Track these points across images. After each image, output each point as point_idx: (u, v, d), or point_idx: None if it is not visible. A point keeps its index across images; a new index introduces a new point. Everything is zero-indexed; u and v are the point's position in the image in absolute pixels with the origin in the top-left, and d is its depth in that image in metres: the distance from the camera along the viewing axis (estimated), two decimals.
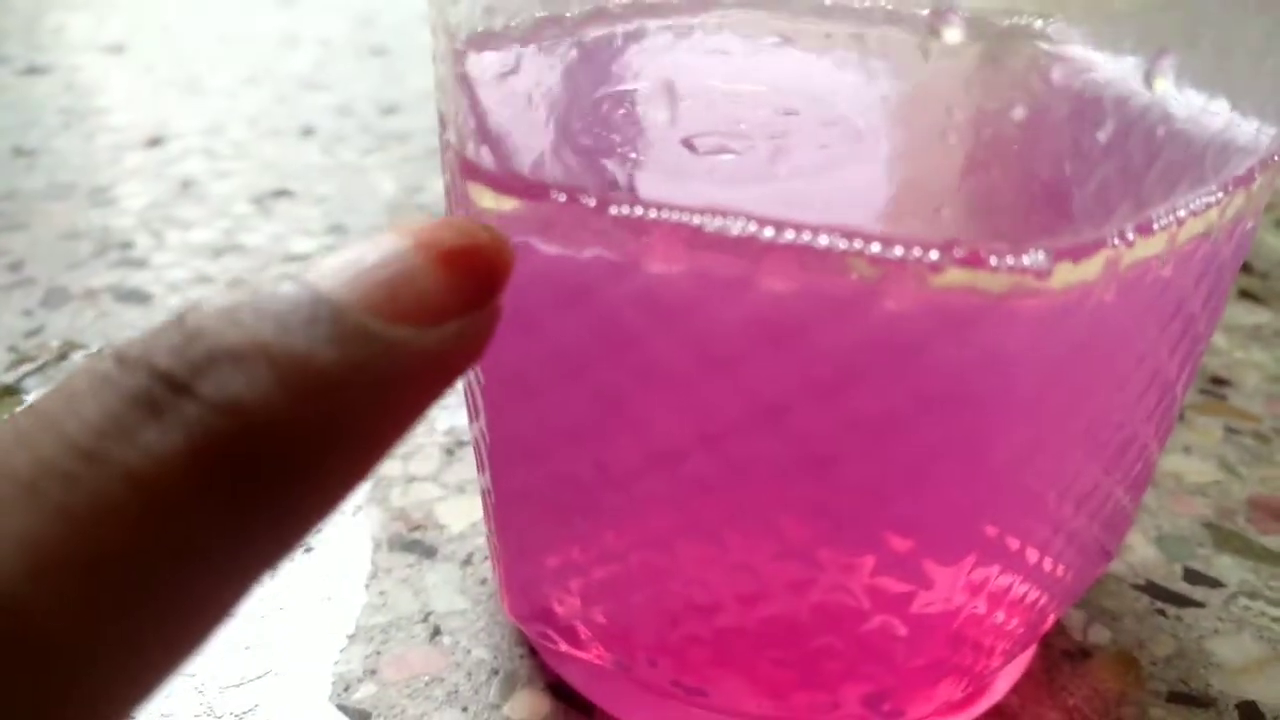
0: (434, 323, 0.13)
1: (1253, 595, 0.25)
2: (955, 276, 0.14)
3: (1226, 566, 0.26)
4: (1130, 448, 0.19)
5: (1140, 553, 0.26)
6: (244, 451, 0.11)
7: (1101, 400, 0.17)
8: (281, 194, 0.46)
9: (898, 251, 0.14)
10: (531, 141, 0.17)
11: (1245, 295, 0.40)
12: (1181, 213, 0.16)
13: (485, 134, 0.17)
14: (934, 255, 0.14)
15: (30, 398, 0.32)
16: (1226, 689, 0.22)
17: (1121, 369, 0.17)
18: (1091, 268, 0.14)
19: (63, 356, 0.34)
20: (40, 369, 0.33)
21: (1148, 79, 0.15)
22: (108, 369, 0.11)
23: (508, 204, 0.16)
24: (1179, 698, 0.22)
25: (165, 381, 0.11)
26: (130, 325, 0.36)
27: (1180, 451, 0.30)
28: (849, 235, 0.14)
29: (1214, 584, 0.25)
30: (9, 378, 0.33)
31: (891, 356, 0.15)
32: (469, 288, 0.13)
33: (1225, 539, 0.27)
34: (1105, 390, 0.17)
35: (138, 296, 0.38)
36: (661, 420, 0.16)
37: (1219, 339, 0.36)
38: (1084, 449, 0.17)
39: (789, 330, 0.15)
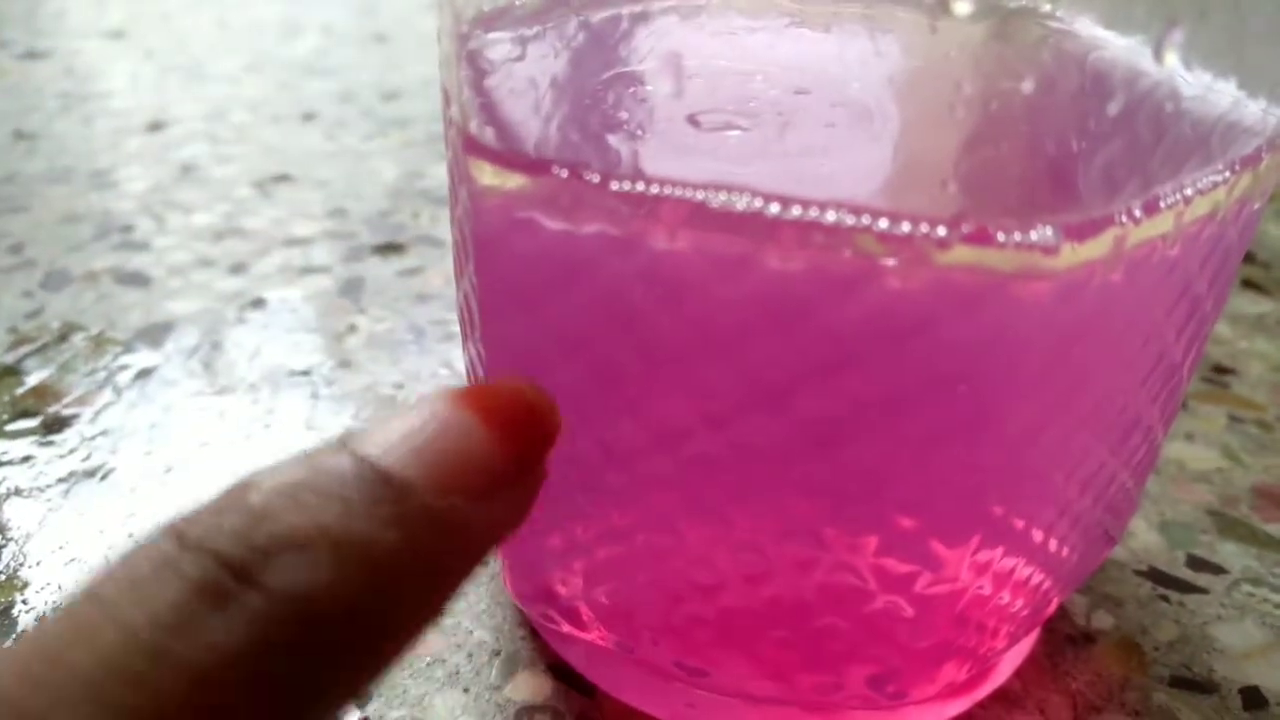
0: (491, 493, 0.13)
1: (1256, 582, 0.25)
2: (962, 253, 0.14)
3: (1230, 553, 0.26)
4: (1135, 430, 0.18)
5: (1143, 539, 0.26)
6: (306, 641, 0.11)
7: (1107, 381, 0.17)
8: (282, 179, 0.46)
9: (905, 227, 0.14)
10: (535, 118, 0.17)
11: (1249, 285, 0.39)
12: (1189, 191, 0.15)
13: (489, 110, 0.17)
14: (941, 231, 0.14)
15: (30, 379, 0.32)
16: (1230, 674, 0.22)
17: (1127, 350, 0.17)
18: (1099, 246, 0.14)
19: (63, 338, 0.34)
20: (40, 350, 0.33)
21: (1157, 52, 0.15)
22: (170, 551, 0.11)
23: (511, 180, 0.16)
24: (1182, 683, 0.22)
25: (231, 569, 0.11)
26: (130, 307, 0.36)
27: (1183, 439, 0.30)
28: (856, 211, 0.14)
29: (1217, 570, 0.25)
30: (9, 358, 0.33)
31: (897, 335, 0.15)
32: (523, 454, 0.13)
33: (1228, 526, 0.27)
34: (1111, 371, 0.17)
35: (138, 279, 0.38)
36: (666, 399, 0.16)
37: (1223, 328, 0.36)
38: (1090, 430, 0.17)
39: (794, 308, 0.15)
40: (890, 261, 0.14)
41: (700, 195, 0.14)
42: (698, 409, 0.16)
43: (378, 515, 0.12)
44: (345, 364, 0.33)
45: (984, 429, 0.15)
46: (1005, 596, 0.18)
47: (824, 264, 0.14)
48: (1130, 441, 0.19)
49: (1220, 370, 0.34)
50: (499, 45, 0.18)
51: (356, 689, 0.12)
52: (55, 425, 0.30)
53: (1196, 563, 0.26)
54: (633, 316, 0.16)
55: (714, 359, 0.15)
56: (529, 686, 0.21)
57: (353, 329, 0.35)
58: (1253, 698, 0.22)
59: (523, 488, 0.13)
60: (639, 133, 0.17)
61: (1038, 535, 0.18)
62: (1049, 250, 0.14)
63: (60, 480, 0.27)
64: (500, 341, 0.18)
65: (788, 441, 0.16)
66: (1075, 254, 0.14)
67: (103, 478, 0.28)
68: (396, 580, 0.12)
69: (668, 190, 0.15)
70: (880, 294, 0.14)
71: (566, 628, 0.20)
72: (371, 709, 0.21)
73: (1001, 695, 0.22)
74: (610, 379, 0.16)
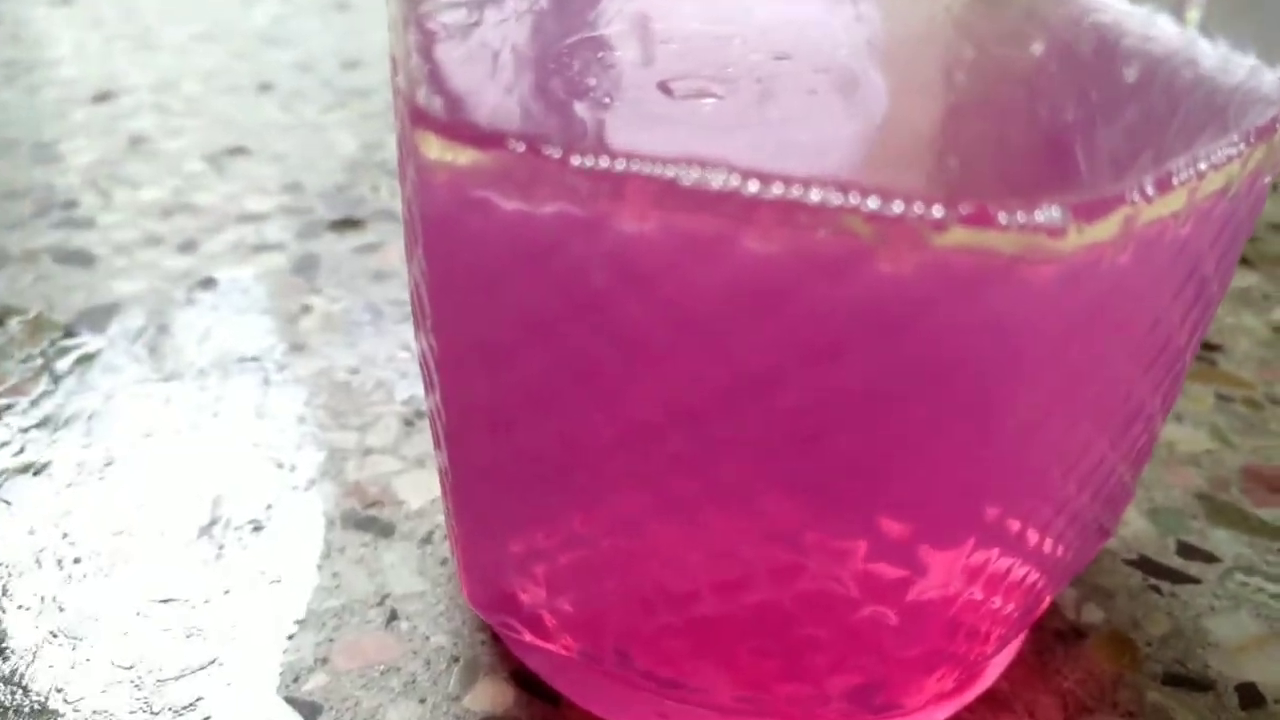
0: None
1: (1249, 570, 0.24)
2: (960, 235, 0.13)
3: (1221, 540, 0.25)
4: (1137, 420, 0.17)
5: (1133, 526, 0.25)
6: None
7: (1111, 369, 0.15)
8: (237, 151, 0.44)
9: (897, 207, 0.13)
10: (491, 86, 0.16)
11: None
12: (1203, 165, 0.14)
13: (438, 78, 0.15)
14: (937, 211, 0.12)
15: None
16: (1225, 670, 0.21)
17: (1133, 335, 0.15)
18: (1108, 226, 0.13)
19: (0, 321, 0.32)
20: None
21: (1179, 10, 0.13)
22: None
23: (462, 155, 0.15)
24: (1176, 680, 0.21)
25: None
26: (72, 288, 0.34)
27: (1173, 420, 0.29)
28: (843, 189, 0.13)
29: (1209, 559, 0.24)
30: None
31: (888, 324, 0.13)
32: None
33: (1219, 511, 0.26)
34: (1116, 358, 0.15)
35: (81, 258, 0.36)
36: (634, 392, 0.15)
37: None
38: (1091, 422, 0.16)
39: (775, 294, 0.13)
40: (880, 245, 0.13)
41: (671, 171, 0.13)
42: (669, 403, 0.15)
43: None
44: (298, 347, 0.31)
45: (981, 423, 0.14)
46: (998, 599, 0.17)
47: (807, 246, 0.13)
48: (1131, 432, 0.18)
49: (1207, 346, 0.33)
50: (452, 8, 0.17)
51: None
52: None
53: (1187, 550, 0.25)
54: (598, 304, 0.14)
55: (687, 349, 0.14)
56: (490, 696, 0.20)
57: (307, 309, 0.33)
58: (1250, 695, 0.21)
59: None
60: (605, 102, 0.16)
61: (1033, 535, 0.16)
62: (1055, 232, 0.13)
63: None
64: (453, 332, 0.16)
65: (768, 438, 0.15)
66: (1082, 235, 0.13)
67: (36, 473, 0.26)
68: None
69: (635, 166, 0.13)
70: (869, 279, 0.13)
71: (529, 637, 0.19)
72: None
73: (989, 698, 0.20)
74: (574, 372, 0.15)
